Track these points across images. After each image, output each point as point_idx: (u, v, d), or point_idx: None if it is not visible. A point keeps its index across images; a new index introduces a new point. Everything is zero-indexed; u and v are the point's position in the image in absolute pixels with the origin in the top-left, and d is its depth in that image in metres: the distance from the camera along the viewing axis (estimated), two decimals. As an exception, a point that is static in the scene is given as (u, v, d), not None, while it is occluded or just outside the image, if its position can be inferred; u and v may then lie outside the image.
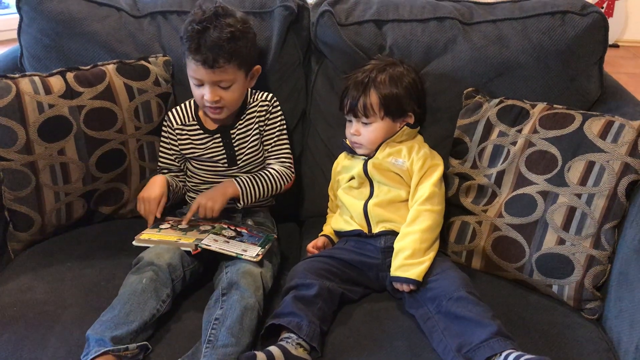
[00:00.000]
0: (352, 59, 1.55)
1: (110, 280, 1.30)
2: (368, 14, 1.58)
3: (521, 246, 1.33)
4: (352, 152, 1.48)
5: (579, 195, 1.28)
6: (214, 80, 1.37)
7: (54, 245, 1.43)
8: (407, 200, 1.39)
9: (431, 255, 1.29)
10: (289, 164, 1.54)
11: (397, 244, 1.30)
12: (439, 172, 1.39)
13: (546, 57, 1.47)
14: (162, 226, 1.38)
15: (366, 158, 1.44)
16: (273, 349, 1.11)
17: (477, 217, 1.41)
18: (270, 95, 1.52)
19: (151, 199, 1.38)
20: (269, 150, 1.53)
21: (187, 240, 1.31)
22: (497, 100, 1.47)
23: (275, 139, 1.52)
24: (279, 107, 1.53)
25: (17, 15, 1.55)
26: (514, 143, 1.39)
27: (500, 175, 1.40)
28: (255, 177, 1.47)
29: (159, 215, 1.38)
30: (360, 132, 1.44)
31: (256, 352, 1.09)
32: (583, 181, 1.28)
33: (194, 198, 1.51)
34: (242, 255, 1.29)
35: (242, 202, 1.44)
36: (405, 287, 1.27)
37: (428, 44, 1.53)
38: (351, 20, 1.57)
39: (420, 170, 1.38)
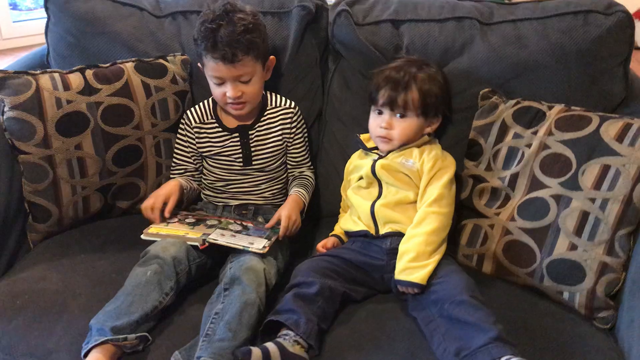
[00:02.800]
0: (368, 59, 1.54)
1: (120, 272, 1.32)
2: (385, 14, 1.57)
3: (532, 251, 1.30)
4: (365, 148, 1.47)
5: (592, 200, 1.24)
6: (235, 76, 1.39)
7: (70, 237, 1.47)
8: (415, 202, 1.37)
9: (436, 258, 1.27)
10: (313, 168, 1.62)
11: (402, 246, 1.29)
12: (449, 174, 1.36)
13: (566, 58, 1.43)
14: (170, 221, 1.41)
15: (375, 158, 1.43)
16: (269, 345, 1.12)
17: (490, 220, 1.38)
18: (293, 103, 1.55)
19: (159, 194, 1.42)
20: (299, 159, 1.58)
21: (195, 235, 1.33)
22: (513, 102, 1.43)
23: (303, 148, 1.58)
24: (302, 115, 1.57)
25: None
26: (529, 145, 1.35)
27: (514, 178, 1.36)
28: (307, 188, 1.54)
29: (167, 214, 1.40)
30: (393, 125, 1.41)
31: (252, 347, 1.10)
32: (597, 185, 1.24)
33: (210, 195, 1.56)
34: (249, 247, 1.30)
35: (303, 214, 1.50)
36: (409, 290, 1.25)
37: (445, 44, 1.51)
38: (368, 20, 1.56)
39: (430, 171, 1.36)
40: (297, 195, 1.49)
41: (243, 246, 1.31)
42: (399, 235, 1.34)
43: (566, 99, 1.42)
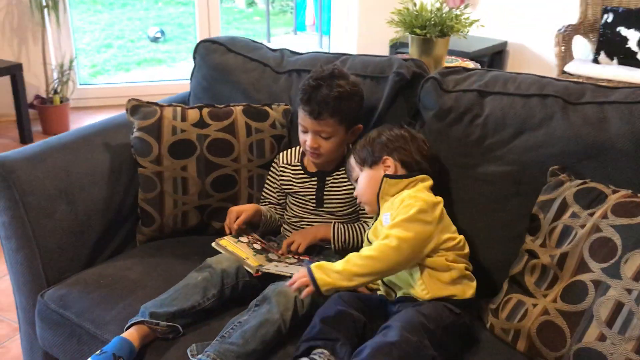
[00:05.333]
0: (444, 123, 1.61)
1: (189, 277, 1.55)
2: (475, 85, 1.63)
3: (564, 335, 1.23)
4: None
5: (629, 291, 1.16)
6: (316, 130, 1.58)
7: (166, 243, 1.74)
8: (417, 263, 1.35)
9: (356, 281, 1.26)
10: None
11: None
12: (413, 211, 1.33)
13: (647, 146, 1.36)
14: (241, 238, 1.59)
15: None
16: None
17: (536, 300, 1.34)
18: None
19: (233, 210, 1.62)
20: None
21: (251, 262, 1.50)
22: (580, 181, 1.39)
23: None
24: None
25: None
26: (583, 226, 1.30)
27: (563, 257, 1.31)
28: (351, 226, 1.63)
29: (235, 226, 1.60)
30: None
31: None
32: (637, 276, 1.16)
33: (287, 229, 1.72)
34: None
35: (333, 246, 1.60)
36: (303, 279, 1.26)
37: (524, 117, 1.52)
38: (457, 88, 1.64)
39: (397, 209, 1.36)
40: (330, 225, 1.60)
41: (291, 274, 1.44)
42: (410, 300, 1.36)
43: (642, 189, 1.34)
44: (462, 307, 1.35)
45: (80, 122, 4.02)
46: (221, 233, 1.79)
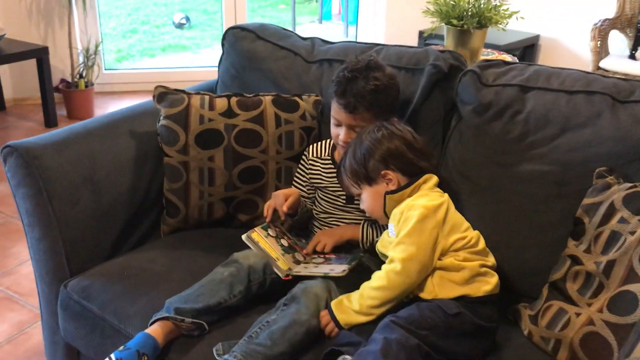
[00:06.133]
0: (482, 119, 1.54)
1: (214, 271, 1.50)
2: (516, 80, 1.55)
3: (610, 349, 1.16)
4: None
5: (684, 304, 1.08)
6: (351, 124, 1.51)
7: (191, 235, 1.70)
8: None
9: (376, 312, 1.29)
10: None
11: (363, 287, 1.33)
12: (412, 222, 1.30)
13: None
14: (270, 231, 1.53)
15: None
16: None
17: (579, 309, 1.27)
18: None
19: (280, 193, 1.56)
20: None
21: (282, 265, 1.43)
22: (629, 185, 1.31)
23: None
24: None
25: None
26: (633, 232, 1.23)
27: (610, 265, 1.24)
28: (381, 228, 1.56)
29: (285, 209, 1.52)
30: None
31: None
32: (694, 289, 1.08)
33: (316, 226, 1.66)
34: (329, 273, 1.37)
35: (361, 246, 1.55)
36: (329, 325, 1.30)
37: (568, 115, 1.44)
38: (497, 82, 1.56)
39: (398, 223, 1.34)
40: (357, 226, 1.54)
41: (324, 273, 1.38)
42: (419, 299, 1.32)
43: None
44: (477, 304, 1.29)
45: (104, 106, 4.01)
46: (248, 226, 1.75)
